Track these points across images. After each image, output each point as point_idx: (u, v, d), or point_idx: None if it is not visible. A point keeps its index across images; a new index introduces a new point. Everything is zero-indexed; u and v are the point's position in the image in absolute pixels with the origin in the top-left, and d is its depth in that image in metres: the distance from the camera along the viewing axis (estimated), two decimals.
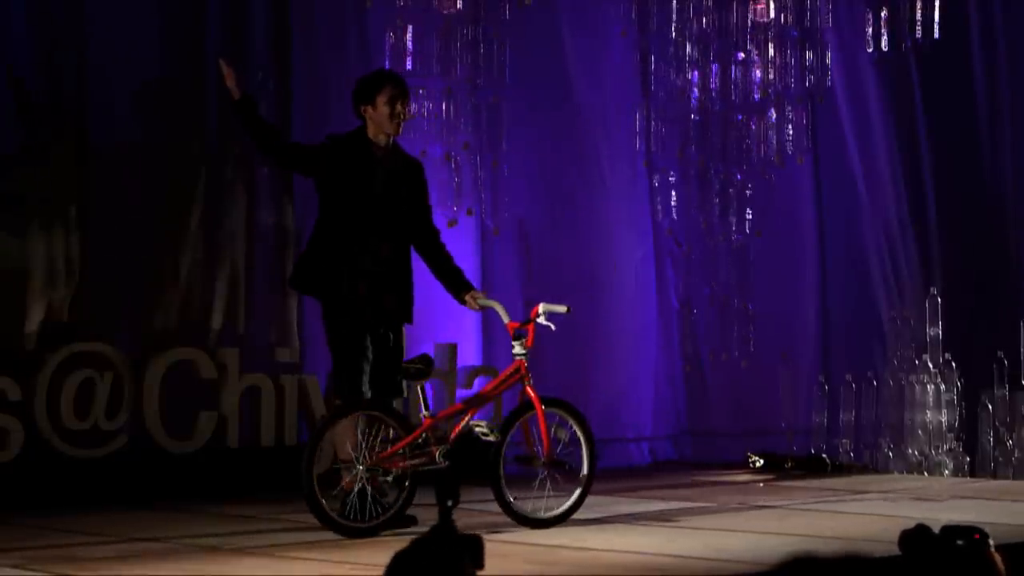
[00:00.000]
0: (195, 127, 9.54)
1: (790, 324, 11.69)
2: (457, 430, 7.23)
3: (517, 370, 7.34)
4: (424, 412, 7.20)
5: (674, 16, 11.20)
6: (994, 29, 11.23)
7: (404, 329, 7.61)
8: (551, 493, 7.31)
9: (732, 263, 11.56)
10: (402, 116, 7.44)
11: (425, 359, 7.28)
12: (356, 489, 7.00)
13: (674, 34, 11.27)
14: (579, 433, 7.38)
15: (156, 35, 9.41)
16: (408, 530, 7.05)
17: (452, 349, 10.07)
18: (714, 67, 11.33)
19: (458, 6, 10.31)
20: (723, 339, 11.61)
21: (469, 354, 10.35)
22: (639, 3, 11.24)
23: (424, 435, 7.15)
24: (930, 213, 11.38)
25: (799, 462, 10.62)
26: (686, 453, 11.66)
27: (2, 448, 8.49)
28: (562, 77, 11.10)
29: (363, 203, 7.31)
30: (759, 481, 10.06)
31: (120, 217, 9.19)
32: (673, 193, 11.55)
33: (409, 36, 10.16)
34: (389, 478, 7.10)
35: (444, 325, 10.19)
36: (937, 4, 10.69)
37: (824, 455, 10.69)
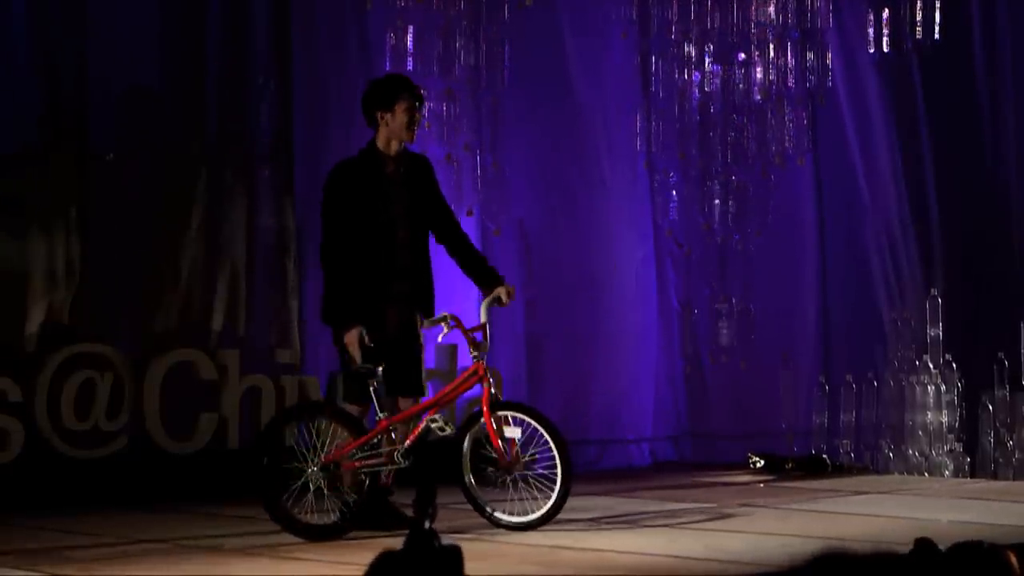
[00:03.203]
0: (195, 128, 9.53)
1: (790, 324, 11.69)
2: (417, 431, 7.21)
3: (475, 372, 7.27)
4: (380, 415, 7.18)
5: (675, 16, 11.19)
6: (995, 29, 11.22)
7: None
8: (522, 497, 7.15)
9: (733, 263, 11.55)
10: (417, 124, 7.44)
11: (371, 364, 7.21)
12: (312, 490, 7.03)
13: (675, 34, 11.27)
14: (545, 434, 7.12)
15: (156, 36, 9.41)
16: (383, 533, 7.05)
17: (452, 349, 10.06)
18: (715, 67, 11.33)
19: (458, 6, 10.31)
20: (723, 340, 11.60)
21: (470, 355, 10.32)
22: (640, 3, 11.24)
23: (380, 437, 7.15)
24: (931, 213, 11.38)
25: (799, 463, 10.61)
26: (686, 454, 11.66)
27: (2, 448, 8.49)
28: (562, 77, 11.09)
29: (382, 225, 7.30)
30: (759, 482, 10.06)
31: (120, 218, 9.19)
32: (673, 193, 11.54)
33: (409, 36, 10.16)
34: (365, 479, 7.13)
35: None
36: (938, 4, 10.69)
37: (824, 456, 10.68)
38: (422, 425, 7.20)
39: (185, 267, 9.40)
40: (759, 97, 11.23)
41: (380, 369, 7.11)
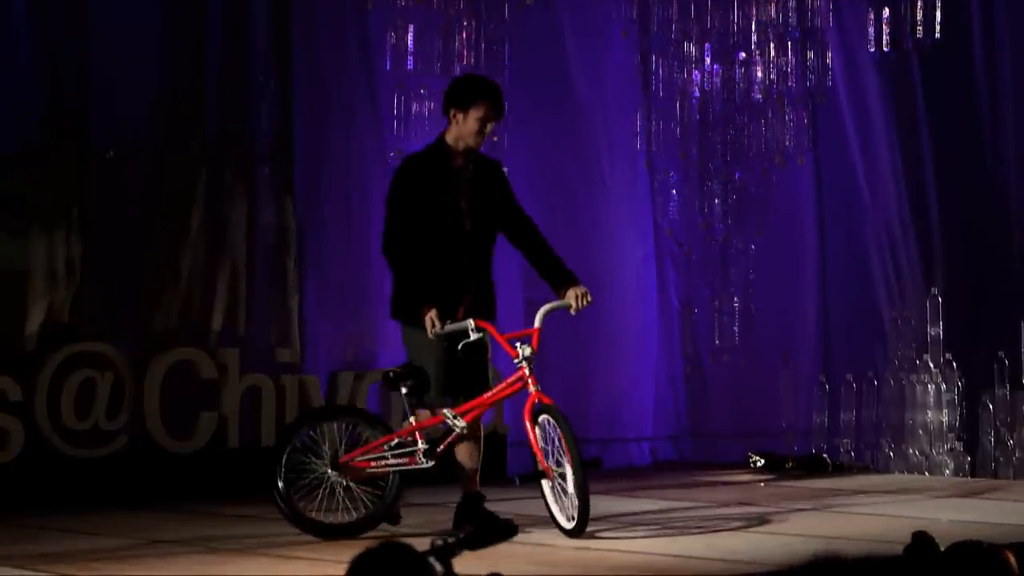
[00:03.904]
0: (196, 128, 9.53)
1: (791, 324, 11.67)
2: (452, 438, 7.12)
3: (520, 377, 7.11)
4: (413, 417, 7.15)
5: (675, 16, 11.18)
6: (996, 29, 11.20)
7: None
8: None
9: (733, 263, 11.55)
10: (487, 135, 7.35)
11: (408, 366, 7.20)
12: (329, 490, 7.05)
13: (675, 34, 11.26)
14: (562, 439, 6.93)
15: (157, 35, 9.40)
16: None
17: None
18: (715, 67, 11.32)
19: (459, 6, 10.31)
20: (724, 339, 11.59)
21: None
22: (640, 3, 11.23)
23: (405, 438, 7.12)
24: (931, 213, 11.36)
25: (800, 462, 10.61)
26: (687, 453, 11.65)
27: (2, 448, 8.49)
28: (562, 77, 11.08)
29: (448, 217, 7.22)
30: (760, 481, 10.05)
31: (121, 218, 9.18)
32: (673, 193, 11.54)
33: (410, 36, 10.16)
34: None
35: None
36: (939, 4, 10.68)
37: (825, 455, 10.67)
38: (454, 435, 7.10)
39: (185, 266, 9.40)
40: (759, 96, 11.22)
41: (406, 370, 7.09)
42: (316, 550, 6.75)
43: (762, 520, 7.79)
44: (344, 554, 6.50)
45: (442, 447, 7.13)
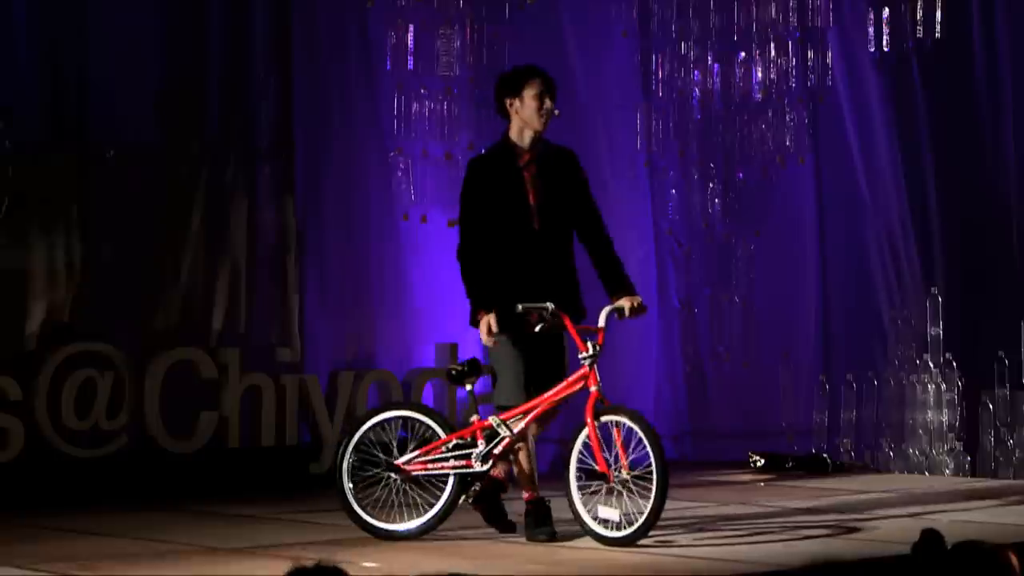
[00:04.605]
0: (196, 127, 9.54)
1: (791, 324, 11.68)
2: (509, 442, 7.00)
3: (583, 376, 6.96)
4: (475, 416, 7.02)
5: (675, 16, 11.19)
6: (996, 29, 11.21)
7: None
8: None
9: (733, 263, 11.55)
10: (550, 112, 7.18)
11: (473, 363, 7.05)
12: (389, 489, 6.95)
13: (675, 33, 11.27)
14: (646, 441, 6.75)
15: (157, 35, 9.40)
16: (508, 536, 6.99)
17: (452, 349, 10.06)
18: (715, 67, 11.32)
19: (459, 5, 10.31)
20: (724, 339, 11.60)
21: (470, 354, 10.27)
22: (640, 3, 11.24)
23: (465, 439, 6.99)
24: (931, 213, 11.37)
25: (800, 462, 10.61)
26: (687, 453, 11.65)
27: (3, 448, 8.49)
28: (563, 77, 11.06)
29: (515, 219, 7.08)
30: (760, 481, 10.06)
31: (121, 217, 9.19)
32: (673, 192, 11.54)
33: (410, 35, 10.16)
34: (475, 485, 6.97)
35: (444, 325, 10.19)
36: (939, 4, 10.69)
37: (825, 455, 10.68)
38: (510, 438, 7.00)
39: (185, 266, 9.41)
40: (759, 96, 11.23)
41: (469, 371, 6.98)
42: (317, 550, 6.75)
43: (762, 520, 7.79)
44: (347, 555, 6.51)
45: (497, 451, 6.97)
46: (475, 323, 7.08)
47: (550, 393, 7.02)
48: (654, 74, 11.36)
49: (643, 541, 6.77)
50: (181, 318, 9.36)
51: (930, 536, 3.16)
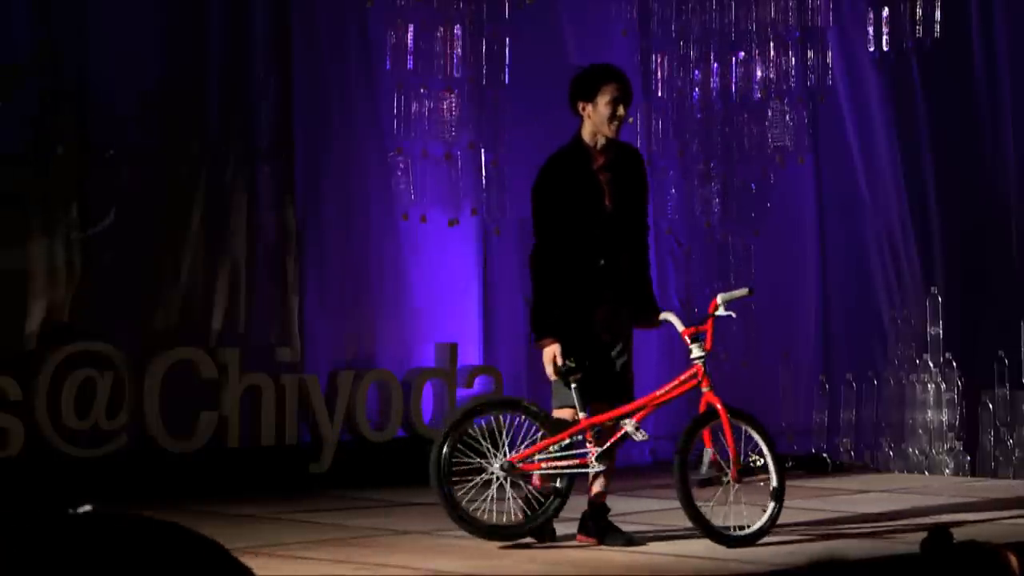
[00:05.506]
0: (196, 127, 9.53)
1: (791, 323, 11.68)
2: (616, 437, 6.99)
3: (694, 375, 7.02)
4: (581, 414, 6.92)
5: (675, 15, 11.18)
6: (995, 28, 11.21)
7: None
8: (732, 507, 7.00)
9: (733, 263, 11.54)
10: (622, 119, 7.07)
11: (578, 360, 6.94)
12: (494, 488, 6.82)
13: (675, 33, 11.26)
14: (763, 446, 6.97)
15: (157, 34, 9.40)
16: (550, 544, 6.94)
17: (452, 349, 10.06)
18: (715, 66, 11.32)
19: (459, 5, 10.31)
20: (724, 339, 11.59)
21: (470, 354, 10.33)
22: (640, 2, 11.23)
23: (577, 436, 6.90)
24: (931, 212, 11.37)
25: (800, 461, 10.61)
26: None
27: (2, 447, 8.48)
28: (563, 76, 11.05)
29: (590, 223, 6.99)
30: (760, 481, 10.04)
31: (121, 217, 9.18)
32: (673, 192, 11.53)
33: (410, 35, 10.16)
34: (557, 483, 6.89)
35: (444, 325, 10.19)
36: (938, 3, 10.69)
37: (825, 454, 10.68)
38: (620, 432, 6.96)
39: (185, 266, 9.40)
40: (759, 96, 11.23)
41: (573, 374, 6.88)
42: (318, 550, 6.75)
43: (762, 519, 7.77)
44: (349, 554, 6.51)
45: (609, 444, 6.94)
46: (539, 345, 7.00)
47: (659, 392, 7.11)
48: (654, 73, 11.35)
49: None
50: (181, 318, 9.35)
51: (939, 533, 3.15)
